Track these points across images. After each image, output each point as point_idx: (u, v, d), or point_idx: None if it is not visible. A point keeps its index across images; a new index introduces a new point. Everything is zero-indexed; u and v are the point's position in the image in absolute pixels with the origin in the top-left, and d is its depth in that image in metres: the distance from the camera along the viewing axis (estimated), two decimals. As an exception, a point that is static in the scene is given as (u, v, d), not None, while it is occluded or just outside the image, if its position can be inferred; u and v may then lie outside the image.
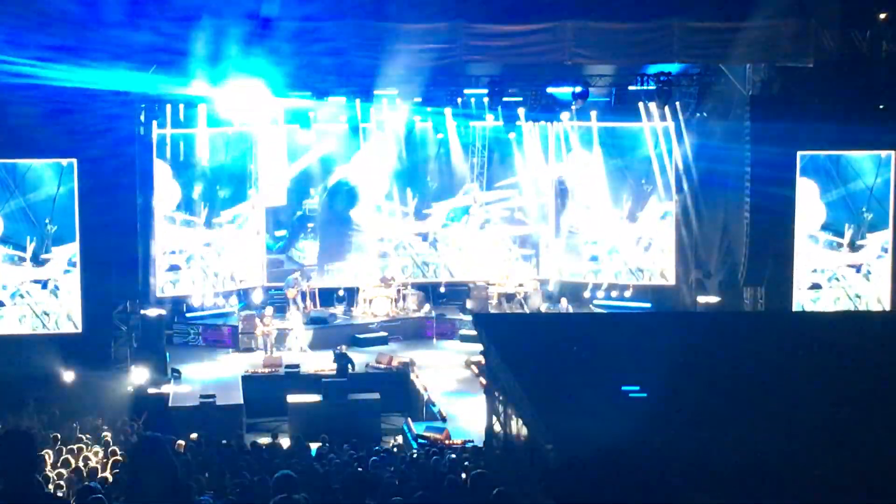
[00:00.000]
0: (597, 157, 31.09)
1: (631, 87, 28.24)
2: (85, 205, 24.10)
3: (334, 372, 25.80)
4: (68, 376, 23.94)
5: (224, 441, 20.68)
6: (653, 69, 27.21)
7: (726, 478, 8.51)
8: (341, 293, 31.00)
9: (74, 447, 17.84)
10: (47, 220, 24.20)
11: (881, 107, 25.83)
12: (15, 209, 24.18)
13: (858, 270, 26.80)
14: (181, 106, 27.54)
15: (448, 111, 29.69)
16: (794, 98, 25.74)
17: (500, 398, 12.96)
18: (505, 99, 28.49)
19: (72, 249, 24.25)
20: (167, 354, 26.73)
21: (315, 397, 24.46)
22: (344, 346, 27.04)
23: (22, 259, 24.24)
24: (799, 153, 26.22)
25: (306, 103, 27.93)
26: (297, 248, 31.78)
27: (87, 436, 19.57)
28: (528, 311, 30.00)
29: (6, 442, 6.40)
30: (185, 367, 26.94)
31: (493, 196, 32.46)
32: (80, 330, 24.45)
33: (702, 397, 10.68)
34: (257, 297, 30.18)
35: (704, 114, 28.92)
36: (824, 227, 26.65)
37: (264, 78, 25.18)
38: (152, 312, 26.59)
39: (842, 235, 26.69)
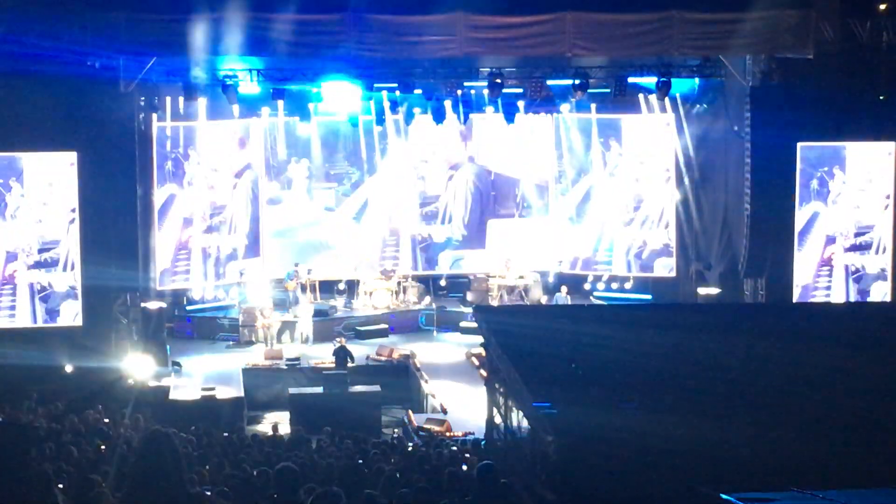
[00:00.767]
0: (595, 148, 31.08)
1: (631, 79, 28.19)
2: (85, 197, 24.08)
3: (334, 364, 25.80)
4: (69, 369, 23.95)
5: (225, 434, 20.69)
6: (653, 61, 27.23)
7: (727, 468, 8.52)
8: (342, 286, 30.97)
9: (75, 440, 17.83)
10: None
11: (881, 97, 25.80)
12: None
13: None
14: (181, 98, 27.50)
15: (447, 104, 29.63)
16: (795, 89, 25.71)
17: (501, 390, 12.97)
18: (505, 91, 28.45)
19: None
20: (168, 347, 26.73)
21: (316, 390, 24.47)
22: (343, 339, 27.02)
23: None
24: (799, 144, 26.19)
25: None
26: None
27: (88, 428, 19.56)
28: (528, 303, 30.00)
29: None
30: (186, 360, 26.95)
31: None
32: (80, 323, 24.44)
33: (701, 389, 10.68)
34: (258, 290, 30.14)
35: (704, 105, 28.90)
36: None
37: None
38: (153, 305, 26.60)
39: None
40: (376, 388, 24.75)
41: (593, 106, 30.49)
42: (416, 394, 25.91)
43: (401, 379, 26.51)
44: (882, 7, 26.41)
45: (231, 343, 28.71)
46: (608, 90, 28.80)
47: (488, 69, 27.56)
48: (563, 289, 29.71)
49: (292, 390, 24.66)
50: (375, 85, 27.75)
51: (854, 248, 26.79)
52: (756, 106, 25.74)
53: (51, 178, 24.17)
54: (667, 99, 28.82)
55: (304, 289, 30.24)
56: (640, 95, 29.54)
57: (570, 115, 31.14)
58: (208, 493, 11.34)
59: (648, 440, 9.17)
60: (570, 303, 29.01)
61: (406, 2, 24.15)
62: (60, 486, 11.43)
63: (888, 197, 26.54)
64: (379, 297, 30.42)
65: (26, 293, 24.41)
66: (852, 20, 25.73)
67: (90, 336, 24.49)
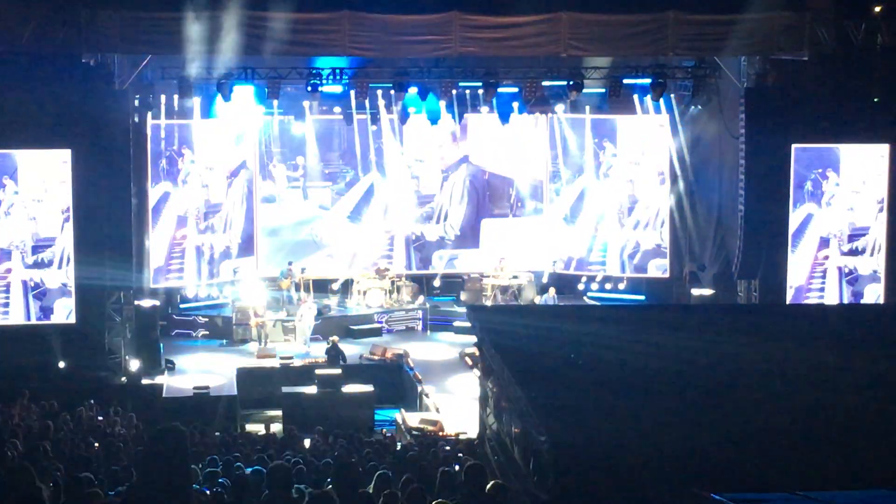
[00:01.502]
0: (590, 148, 31.10)
1: (626, 80, 28.22)
2: (79, 195, 24.06)
3: (326, 363, 25.79)
4: (62, 366, 23.94)
5: (217, 432, 20.67)
6: (648, 62, 27.27)
7: (721, 469, 8.52)
8: (336, 285, 30.97)
9: (68, 438, 17.81)
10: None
11: (876, 100, 25.83)
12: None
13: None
14: (175, 96, 27.50)
15: (442, 104, 29.64)
16: (789, 91, 25.75)
17: (494, 390, 12.97)
18: (499, 91, 28.49)
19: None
20: (161, 345, 26.70)
21: (309, 389, 24.46)
22: (336, 338, 27.01)
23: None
24: (793, 146, 26.21)
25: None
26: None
27: (81, 426, 19.54)
28: (521, 303, 30.01)
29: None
30: (179, 358, 26.92)
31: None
32: (74, 320, 24.43)
33: (696, 389, 10.69)
34: (251, 288, 30.11)
35: (699, 106, 28.94)
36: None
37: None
38: (146, 303, 26.59)
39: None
40: (369, 387, 24.74)
41: (588, 106, 30.53)
42: (409, 393, 25.90)
43: (394, 378, 26.49)
44: (877, 9, 26.44)
45: (224, 342, 28.68)
46: (603, 91, 28.84)
47: (483, 69, 27.60)
48: (552, 290, 29.75)
49: (285, 389, 24.62)
50: (370, 84, 27.80)
51: (848, 250, 26.82)
52: (750, 107, 25.76)
53: (45, 176, 24.14)
54: (661, 100, 28.84)
55: (297, 287, 30.22)
56: (635, 96, 29.59)
57: (564, 116, 31.17)
58: (207, 493, 11.33)
59: (642, 440, 9.18)
60: (557, 304, 29.05)
61: (401, 1, 24.14)
62: (52, 484, 11.41)
63: (882, 199, 26.57)
64: (373, 296, 30.41)
65: (20, 291, 24.39)
66: (847, 22, 25.77)
67: (84, 334, 24.47)
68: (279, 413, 24.24)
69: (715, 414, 9.92)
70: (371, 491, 10.85)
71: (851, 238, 26.81)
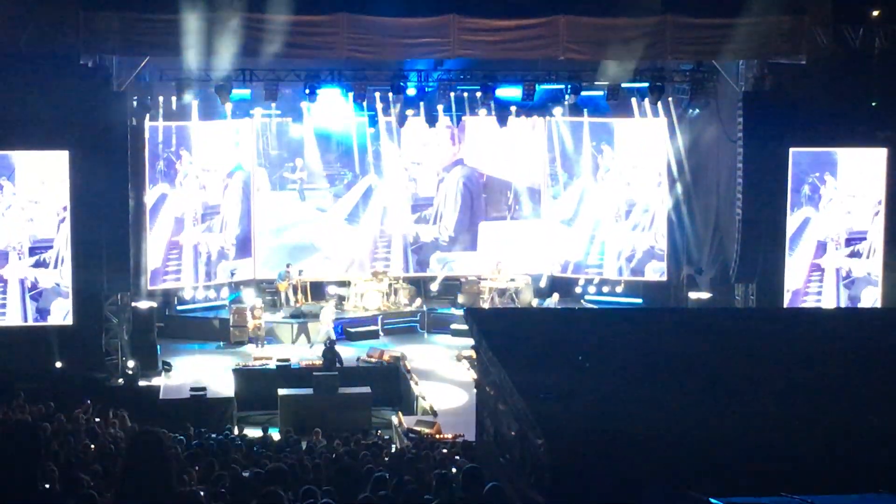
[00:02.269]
0: (587, 151, 31.10)
1: (624, 84, 28.23)
2: (77, 196, 24.05)
3: (323, 366, 25.79)
4: (59, 368, 23.93)
5: (214, 434, 20.66)
6: (646, 65, 27.29)
7: (719, 472, 8.52)
8: (332, 287, 30.96)
9: (64, 440, 17.79)
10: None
11: (873, 104, 25.85)
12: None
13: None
14: (173, 98, 27.50)
15: (440, 106, 29.67)
16: (787, 95, 25.78)
17: (491, 392, 12.95)
18: (497, 93, 28.52)
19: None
20: (158, 347, 26.69)
21: (306, 391, 24.46)
22: (333, 339, 27.02)
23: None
24: (791, 149, 26.22)
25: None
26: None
27: (77, 428, 19.52)
28: (519, 306, 29.99)
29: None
30: (176, 360, 26.91)
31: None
32: (71, 322, 24.41)
33: (696, 393, 10.69)
34: (249, 290, 30.12)
35: (697, 110, 28.94)
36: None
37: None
38: (143, 305, 26.58)
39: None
40: (366, 389, 24.76)
41: (585, 109, 30.52)
42: (406, 395, 25.90)
43: (391, 381, 26.49)
44: (874, 13, 26.48)
45: (222, 344, 28.67)
46: (601, 94, 28.85)
47: (481, 72, 27.63)
48: (556, 295, 29.74)
49: (282, 391, 24.64)
50: (368, 87, 27.83)
51: (845, 254, 26.83)
52: (748, 111, 25.79)
53: (42, 177, 24.13)
54: (659, 103, 28.86)
55: (295, 290, 30.23)
56: (633, 99, 29.60)
57: (562, 119, 31.17)
58: (202, 493, 11.31)
59: (640, 442, 9.17)
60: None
61: (399, 4, 24.15)
62: (47, 485, 11.40)
63: (879, 203, 26.60)
64: (370, 298, 30.39)
65: (17, 291, 24.38)
66: (845, 26, 25.82)
67: (81, 335, 24.46)
68: (276, 415, 24.24)
69: (715, 417, 9.91)
70: (368, 493, 10.85)
71: (849, 242, 26.83)
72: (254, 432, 22.76)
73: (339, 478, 12.11)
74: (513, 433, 11.38)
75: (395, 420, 23.82)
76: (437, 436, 21.85)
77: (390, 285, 30.79)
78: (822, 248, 26.81)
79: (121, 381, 24.77)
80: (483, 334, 13.55)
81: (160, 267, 28.83)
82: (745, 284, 26.85)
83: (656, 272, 30.88)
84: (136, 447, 6.56)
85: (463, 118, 30.66)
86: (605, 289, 31.23)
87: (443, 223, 32.06)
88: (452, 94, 29.06)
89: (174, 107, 27.94)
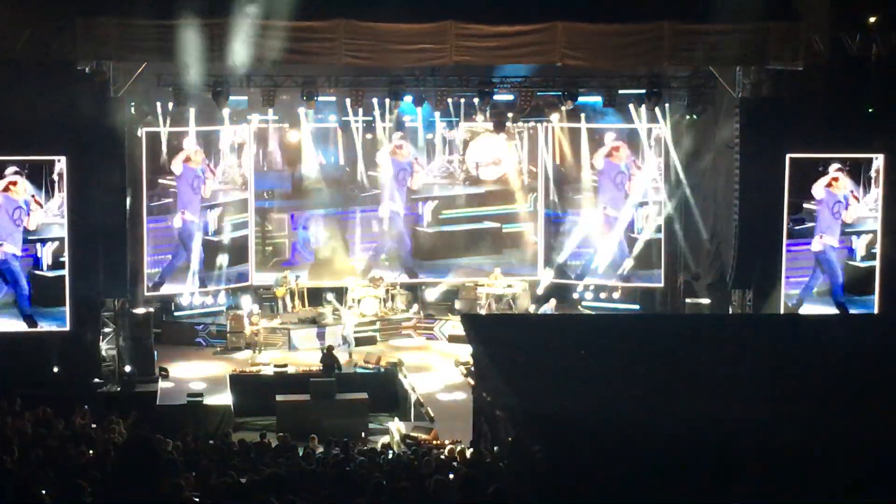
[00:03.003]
0: (585, 157, 31.09)
1: (621, 90, 28.26)
2: (74, 201, 24.04)
3: (321, 371, 25.80)
4: (56, 374, 23.90)
5: (211, 440, 20.64)
6: (643, 71, 27.31)
7: (716, 479, 8.52)
8: (329, 294, 30.97)
9: (62, 446, 17.77)
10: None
11: (871, 110, 25.85)
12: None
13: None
14: (171, 104, 27.50)
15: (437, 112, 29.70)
16: (784, 101, 25.76)
17: (488, 399, 12.95)
18: (494, 99, 28.56)
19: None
20: (155, 353, 26.65)
21: (303, 397, 24.45)
22: (331, 346, 27.02)
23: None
24: (788, 156, 26.22)
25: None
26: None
27: (75, 434, 19.50)
28: (516, 312, 29.98)
29: None
30: (173, 366, 26.87)
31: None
32: (68, 328, 24.39)
33: (693, 398, 10.69)
34: (246, 296, 30.10)
35: (694, 116, 28.93)
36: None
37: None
38: (140, 311, 26.56)
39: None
40: (363, 395, 24.74)
41: (583, 115, 30.52)
42: (403, 402, 25.89)
43: (388, 387, 26.48)
44: (871, 19, 26.50)
45: (218, 349, 28.67)
46: (598, 100, 28.85)
47: (478, 78, 27.65)
48: (553, 301, 29.73)
49: (279, 397, 24.64)
50: (366, 92, 27.88)
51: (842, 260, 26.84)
52: (746, 117, 25.77)
53: (39, 183, 24.11)
54: (657, 109, 28.88)
55: (292, 295, 30.23)
56: (631, 105, 29.60)
57: (559, 125, 31.17)
58: (196, 500, 11.32)
59: (638, 448, 9.17)
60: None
61: (396, 10, 24.15)
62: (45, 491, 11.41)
63: (876, 209, 26.57)
64: (367, 304, 30.39)
65: (13, 297, 24.38)
66: (842, 33, 25.83)
67: (78, 341, 24.44)
68: (273, 421, 24.24)
69: (709, 422, 9.92)
70: (365, 499, 10.86)
71: (846, 248, 26.82)
72: (251, 438, 22.75)
73: (336, 484, 12.12)
74: (510, 439, 11.38)
75: (392, 426, 23.81)
76: (435, 442, 21.84)
77: (387, 291, 30.78)
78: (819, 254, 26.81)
79: (118, 387, 24.73)
80: (480, 340, 13.56)
81: (157, 273, 28.81)
82: (743, 291, 26.83)
83: (653, 278, 30.85)
84: (129, 451, 6.56)
85: (459, 124, 30.68)
86: (603, 295, 31.20)
87: (444, 230, 32.05)
88: (449, 100, 29.10)
89: (172, 112, 27.93)
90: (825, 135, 25.90)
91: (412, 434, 22.60)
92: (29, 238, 24.11)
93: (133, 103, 26.44)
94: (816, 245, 26.56)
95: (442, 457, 18.62)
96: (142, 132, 27.44)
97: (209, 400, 24.33)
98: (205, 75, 25.83)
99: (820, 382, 11.30)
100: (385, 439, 23.17)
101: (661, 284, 30.72)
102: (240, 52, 23.79)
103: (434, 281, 31.89)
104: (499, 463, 12.09)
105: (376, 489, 11.91)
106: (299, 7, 23.82)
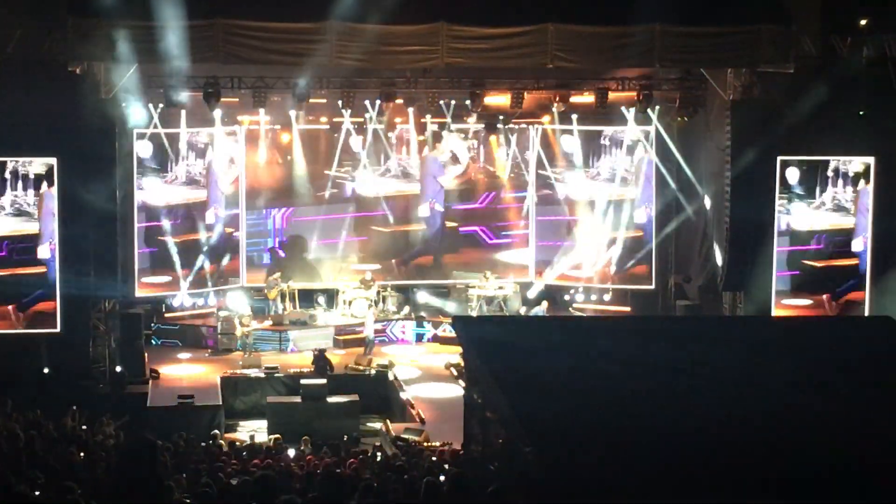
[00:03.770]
0: (576, 159, 31.09)
1: (612, 92, 28.28)
2: (65, 203, 24.02)
3: (312, 373, 25.79)
4: (46, 375, 23.86)
5: (202, 442, 20.62)
6: (634, 73, 27.33)
7: (706, 481, 8.54)
8: (321, 296, 30.96)
9: (52, 447, 17.74)
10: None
11: (861, 112, 25.89)
12: None
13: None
14: (161, 105, 27.47)
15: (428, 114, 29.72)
16: (775, 103, 25.79)
17: (479, 401, 12.96)
18: (486, 101, 28.57)
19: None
20: (145, 354, 26.62)
21: (294, 399, 24.44)
22: (324, 348, 27.01)
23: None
24: (779, 158, 26.27)
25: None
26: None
27: (65, 436, 19.46)
28: (507, 314, 29.98)
29: None
30: (164, 368, 26.85)
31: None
32: (58, 329, 24.36)
33: (685, 401, 10.71)
34: (237, 298, 30.06)
35: (685, 118, 28.94)
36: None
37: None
38: (131, 312, 26.52)
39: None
40: (354, 397, 24.73)
41: (574, 117, 30.52)
42: (394, 403, 25.89)
43: (379, 388, 26.48)
44: (862, 22, 26.55)
45: (209, 351, 28.64)
46: (590, 101, 28.87)
47: (470, 79, 27.66)
48: (544, 303, 29.71)
49: (270, 399, 24.64)
50: (357, 94, 27.87)
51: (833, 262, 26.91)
52: (736, 119, 25.82)
53: (30, 184, 24.10)
54: (648, 111, 28.91)
55: (283, 297, 30.22)
56: (622, 107, 29.61)
57: (551, 127, 31.18)
58: (187, 502, 11.30)
59: (627, 449, 9.19)
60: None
61: (388, 11, 24.13)
62: (37, 493, 11.38)
63: (867, 212, 26.62)
64: (358, 306, 30.37)
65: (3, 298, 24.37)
66: (833, 35, 25.90)
67: (68, 342, 24.41)
68: (264, 422, 24.22)
69: (705, 425, 9.94)
70: (356, 501, 10.85)
71: (836, 250, 26.87)
72: (242, 440, 22.73)
73: (327, 486, 12.10)
74: (500, 441, 11.39)
75: (383, 428, 23.80)
76: (426, 444, 21.82)
77: (378, 293, 30.77)
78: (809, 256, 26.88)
79: (108, 388, 24.69)
80: (471, 342, 13.56)
81: (148, 274, 28.77)
82: (733, 293, 26.87)
83: (645, 281, 30.86)
84: (131, 453, 6.56)
85: (451, 125, 30.68)
86: (594, 297, 31.22)
87: (434, 232, 32.04)
88: (441, 102, 29.12)
89: (162, 113, 27.89)
90: (816, 137, 25.94)
91: (403, 436, 22.59)
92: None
93: (124, 104, 26.37)
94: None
95: (433, 458, 18.60)
96: (133, 133, 27.36)
97: (200, 401, 24.28)
98: (196, 77, 25.81)
99: (814, 383, 11.33)
100: (376, 441, 23.16)
101: (653, 287, 30.72)
102: (230, 53, 23.80)
103: (425, 283, 31.86)
104: (489, 465, 12.10)
105: (367, 491, 11.89)
106: (290, 9, 23.83)
